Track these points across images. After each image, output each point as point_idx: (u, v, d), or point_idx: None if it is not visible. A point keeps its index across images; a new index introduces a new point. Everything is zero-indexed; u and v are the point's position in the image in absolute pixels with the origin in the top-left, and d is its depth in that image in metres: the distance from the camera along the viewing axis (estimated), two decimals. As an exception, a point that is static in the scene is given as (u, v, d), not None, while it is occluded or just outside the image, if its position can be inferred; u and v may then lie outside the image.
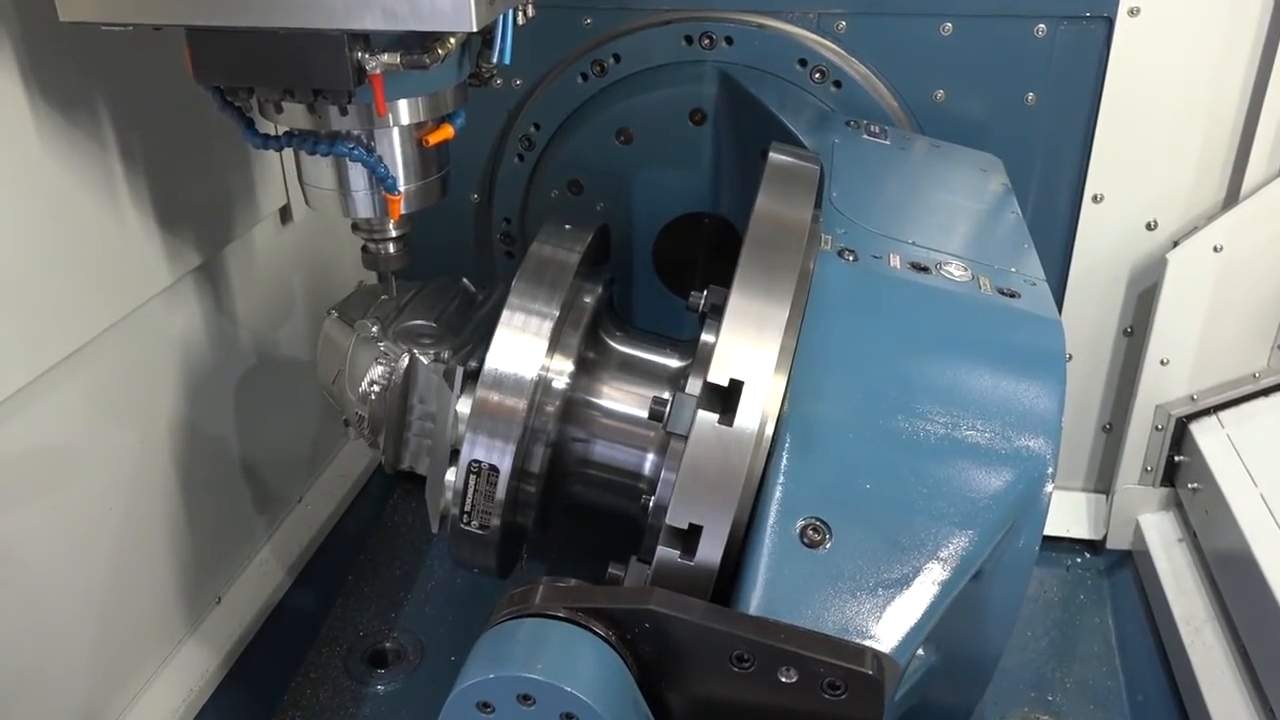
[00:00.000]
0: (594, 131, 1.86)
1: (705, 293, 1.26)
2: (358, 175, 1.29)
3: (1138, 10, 1.70)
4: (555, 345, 1.25)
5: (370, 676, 1.80)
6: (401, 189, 1.29)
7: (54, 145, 1.26)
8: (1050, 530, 2.00)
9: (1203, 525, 1.81)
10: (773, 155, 1.29)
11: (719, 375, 1.06)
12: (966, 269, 1.24)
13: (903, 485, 1.04)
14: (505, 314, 1.23)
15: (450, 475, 1.24)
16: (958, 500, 1.03)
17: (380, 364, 1.29)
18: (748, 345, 1.07)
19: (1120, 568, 2.00)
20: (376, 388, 1.28)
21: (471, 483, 1.22)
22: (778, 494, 1.02)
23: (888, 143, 1.65)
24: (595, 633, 0.94)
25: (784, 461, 1.04)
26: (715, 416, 1.05)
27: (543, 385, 1.24)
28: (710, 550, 1.04)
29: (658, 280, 1.96)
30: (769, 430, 1.07)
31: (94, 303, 1.35)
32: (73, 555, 1.37)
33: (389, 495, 2.23)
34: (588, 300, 1.34)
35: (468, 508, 1.24)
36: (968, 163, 1.68)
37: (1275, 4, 1.66)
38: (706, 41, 1.81)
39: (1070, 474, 2.09)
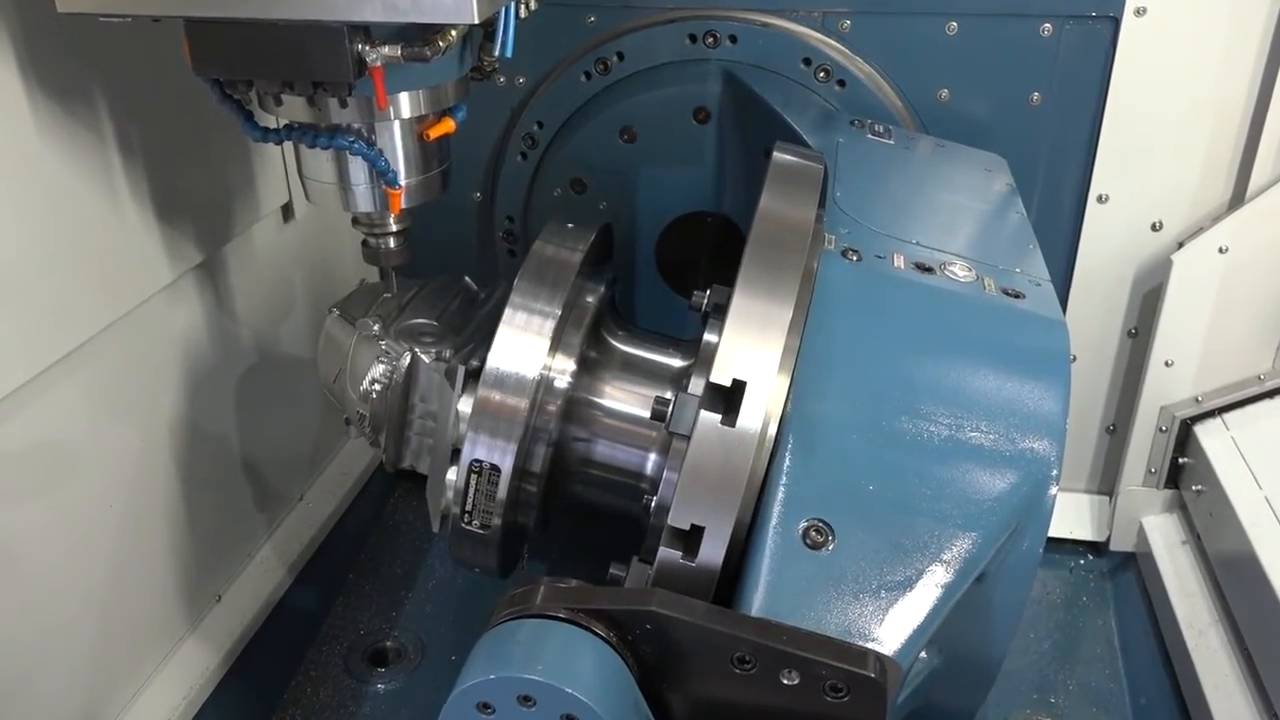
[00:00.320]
0: (597, 130, 1.86)
1: (708, 292, 1.25)
2: (358, 169, 1.28)
3: (1144, 10, 1.69)
4: (557, 344, 1.25)
5: (371, 675, 1.80)
6: (402, 183, 1.28)
7: (53, 141, 1.26)
8: (1053, 532, 2.00)
9: (1207, 528, 1.80)
10: (776, 154, 1.28)
11: (722, 375, 1.05)
12: (971, 269, 1.24)
13: (906, 487, 1.03)
14: (507, 313, 1.22)
15: (451, 474, 1.24)
16: (961, 502, 1.03)
17: (382, 362, 1.29)
18: (751, 345, 1.06)
19: (1123, 570, 1.99)
20: (378, 386, 1.27)
21: (473, 482, 1.21)
22: (780, 495, 1.02)
23: (892, 142, 1.64)
24: (596, 634, 0.93)
25: (787, 462, 1.03)
26: (718, 417, 1.05)
27: (544, 384, 1.23)
28: (712, 551, 1.03)
29: (660, 279, 1.95)
30: (772, 430, 1.06)
31: (94, 300, 1.34)
32: (73, 553, 1.37)
33: (390, 494, 2.23)
34: (590, 300, 1.33)
35: (469, 507, 1.23)
36: (972, 162, 1.67)
37: (1282, 4, 1.66)
38: (710, 40, 1.81)
39: (1074, 475, 2.08)
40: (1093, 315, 1.93)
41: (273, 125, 1.26)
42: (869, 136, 1.63)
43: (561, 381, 1.27)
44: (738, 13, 1.80)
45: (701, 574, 1.03)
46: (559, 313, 1.23)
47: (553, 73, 1.88)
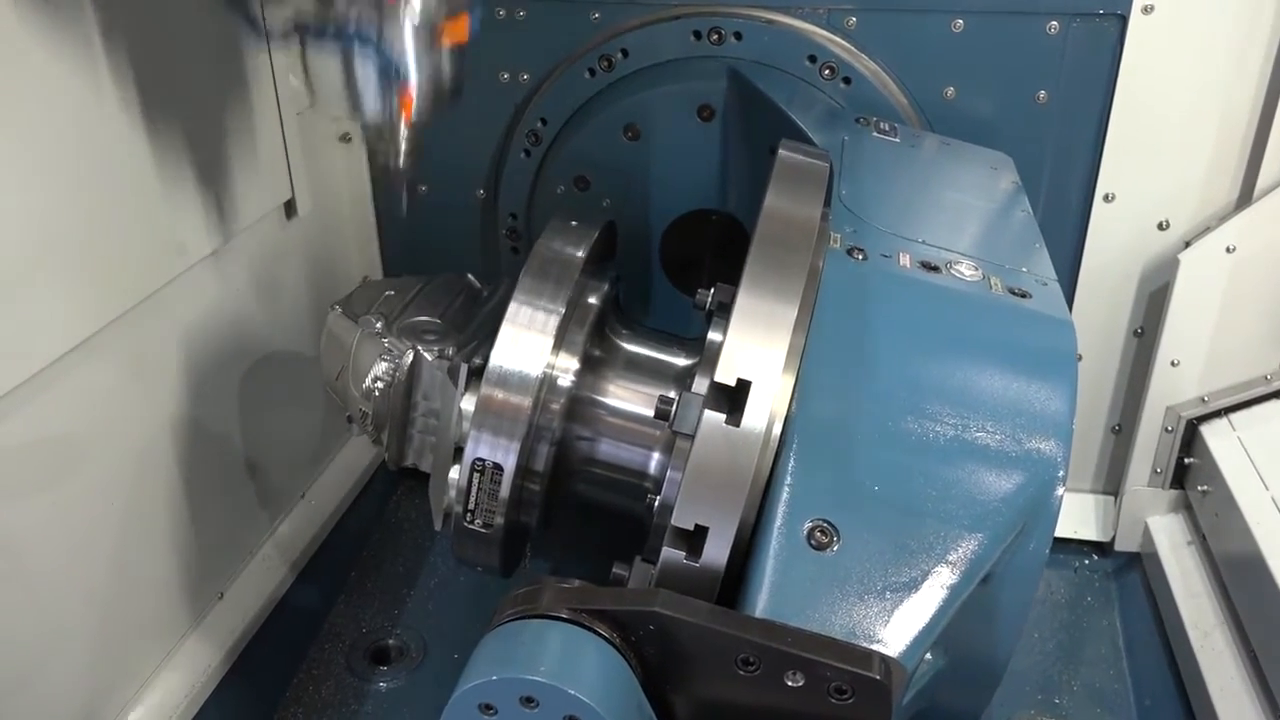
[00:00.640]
0: (601, 127, 1.85)
1: (713, 290, 1.25)
2: (367, 71, 1.23)
3: (1151, 8, 1.68)
4: (561, 342, 1.24)
5: (373, 673, 1.80)
6: (413, 86, 1.23)
7: (53, 140, 1.25)
8: (1058, 531, 1.97)
9: (1212, 528, 1.80)
10: (782, 152, 1.28)
11: (726, 374, 1.05)
12: (977, 268, 1.23)
13: (912, 487, 1.03)
14: (511, 309, 1.21)
15: (454, 473, 1.23)
16: (967, 503, 1.02)
17: (384, 360, 1.28)
18: (756, 344, 1.05)
19: (1128, 570, 1.99)
20: (380, 384, 1.27)
21: (475, 481, 1.21)
22: (785, 495, 1.01)
23: (897, 140, 1.63)
24: (599, 634, 0.93)
25: (791, 462, 1.02)
26: (722, 416, 1.04)
27: (548, 383, 1.22)
28: (716, 552, 1.02)
29: (664, 277, 1.95)
30: (776, 430, 1.06)
31: (96, 298, 1.34)
32: (75, 550, 1.36)
33: (392, 492, 2.23)
34: (593, 298, 1.33)
35: (471, 506, 1.23)
36: (978, 161, 1.66)
37: (1291, 2, 1.65)
38: (715, 37, 1.80)
39: (1079, 475, 2.07)
40: (1098, 314, 1.93)
41: (280, 29, 1.22)
42: (874, 134, 1.62)
43: (565, 380, 1.27)
44: (742, 9, 1.79)
45: (705, 574, 1.03)
46: (563, 310, 1.22)
47: (556, 70, 1.88)
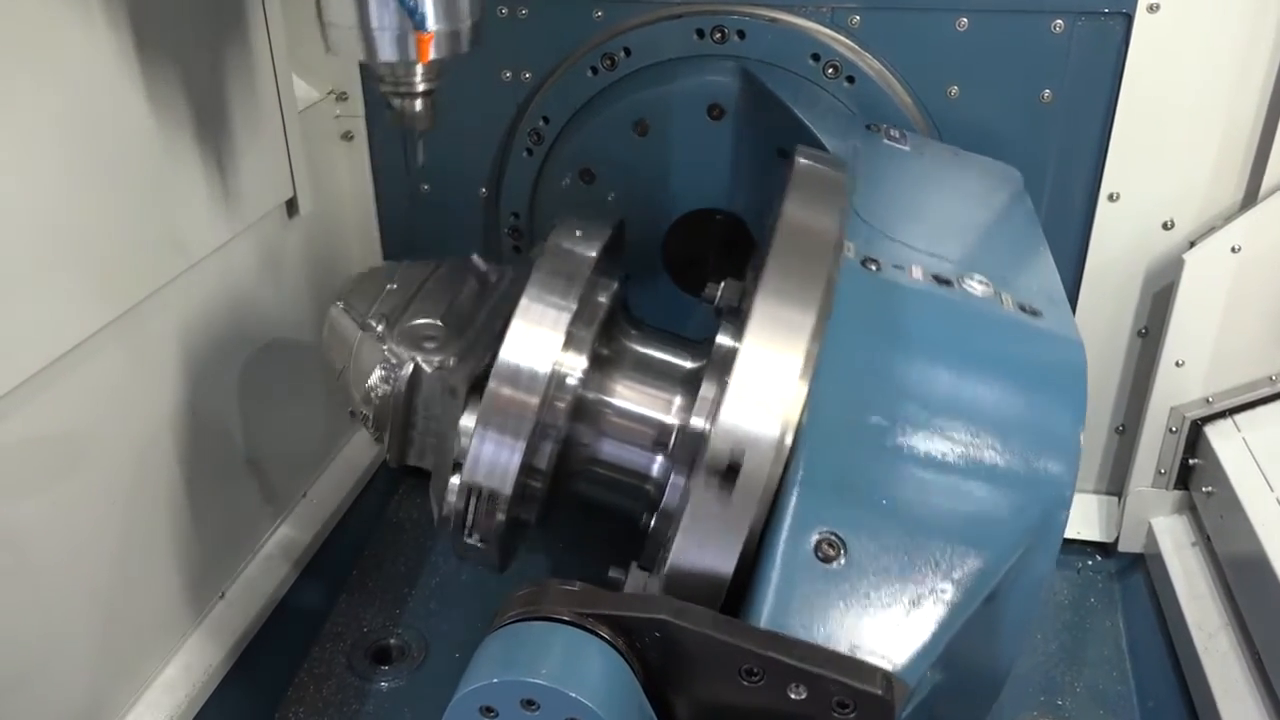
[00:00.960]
0: (603, 125, 1.84)
1: (722, 286, 1.24)
2: (382, 10, 1.18)
3: (1157, 6, 1.67)
4: (571, 341, 1.22)
5: (374, 673, 1.80)
6: (431, 27, 1.18)
7: (52, 138, 1.25)
8: (1061, 533, 1.99)
9: (1217, 529, 1.79)
10: (800, 160, 1.26)
11: (743, 380, 1.03)
12: (988, 284, 1.22)
13: (920, 504, 1.02)
14: (522, 304, 1.19)
15: (452, 493, 1.22)
16: (974, 522, 1.02)
17: (383, 369, 1.27)
18: (773, 352, 1.04)
19: (1132, 571, 1.98)
20: (380, 390, 1.25)
21: (472, 504, 1.20)
22: (793, 505, 1.00)
23: (907, 149, 1.62)
24: (602, 637, 0.92)
25: (801, 473, 1.02)
26: (738, 422, 1.03)
27: (556, 380, 1.21)
28: (724, 559, 1.02)
29: (666, 275, 1.94)
30: (788, 440, 1.05)
31: (97, 296, 1.33)
32: (77, 549, 1.36)
33: (394, 491, 2.23)
34: (603, 296, 1.31)
35: (469, 524, 1.22)
36: (987, 173, 1.65)
37: (1298, 1, 1.64)
38: (718, 35, 1.79)
39: (1082, 475, 2.03)
40: (1103, 314, 1.92)
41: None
42: (885, 141, 1.61)
43: (573, 379, 1.25)
44: (746, 8, 1.78)
45: (712, 581, 1.02)
46: (574, 307, 1.20)
47: (559, 68, 1.87)
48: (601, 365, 1.28)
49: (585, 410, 1.26)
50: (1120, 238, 1.85)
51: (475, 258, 1.43)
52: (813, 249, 1.12)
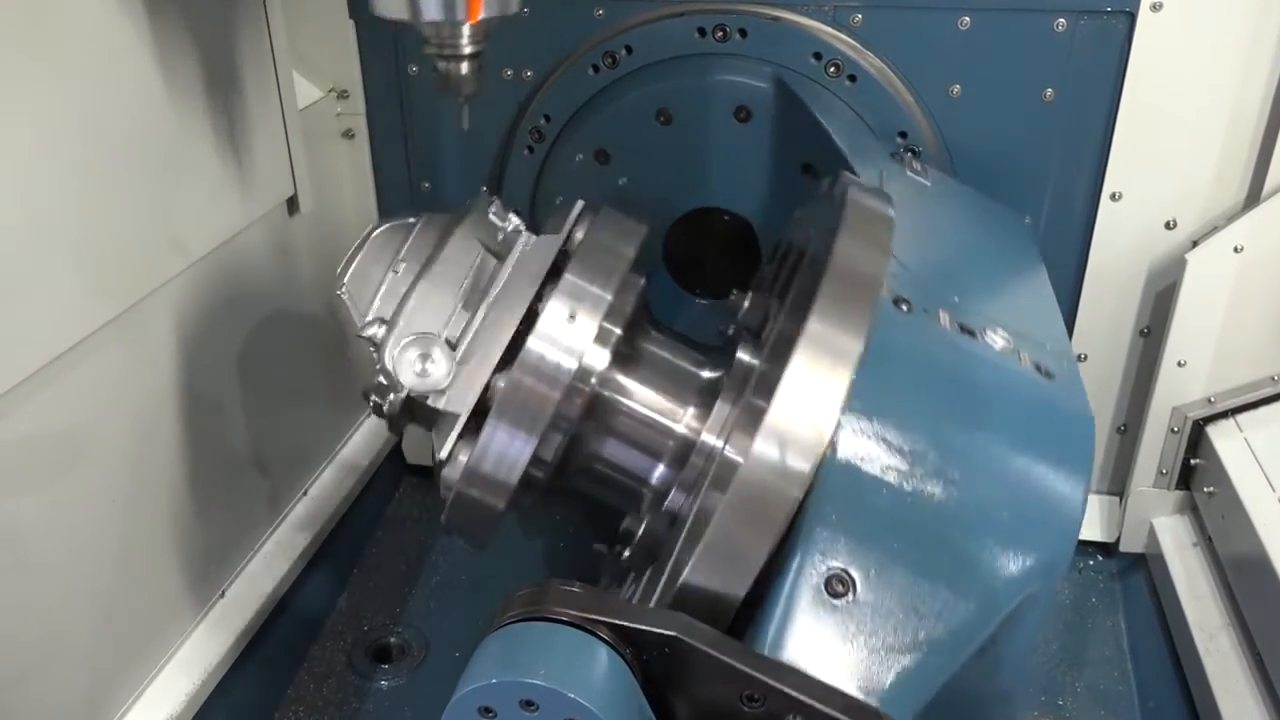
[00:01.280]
0: (629, 108, 1.82)
1: (748, 301, 1.24)
2: None
3: (1160, 5, 1.67)
4: (597, 337, 1.20)
5: (374, 671, 1.80)
6: None
7: (53, 137, 1.25)
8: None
9: (1218, 530, 1.79)
10: (851, 193, 1.23)
11: (784, 407, 1.03)
12: (1009, 339, 1.23)
13: (929, 552, 1.04)
14: (553, 304, 1.17)
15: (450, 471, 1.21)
16: (978, 578, 1.04)
17: (382, 380, 1.24)
18: (817, 384, 1.03)
19: (1133, 571, 1.98)
20: (378, 397, 1.24)
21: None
22: (809, 538, 1.01)
23: (928, 184, 1.62)
24: (603, 640, 0.92)
25: (821, 507, 1.02)
26: (775, 449, 1.02)
27: (580, 374, 1.18)
28: (739, 581, 1.02)
29: (663, 268, 1.94)
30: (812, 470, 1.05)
31: (97, 295, 1.33)
32: (77, 547, 1.36)
33: (394, 490, 2.23)
34: (630, 296, 1.29)
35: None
36: (1001, 222, 1.67)
37: (1301, 0, 1.63)
38: (720, 34, 1.79)
39: (1083, 475, 2.06)
40: (1104, 313, 1.91)
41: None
42: (909, 173, 1.61)
43: (594, 375, 1.24)
44: (747, 6, 1.78)
45: (723, 602, 1.02)
46: (610, 299, 1.18)
47: (559, 66, 1.87)
48: (621, 363, 1.26)
49: (599, 408, 1.25)
50: (1122, 237, 1.85)
51: (492, 213, 1.33)
52: (862, 285, 1.11)
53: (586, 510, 1.36)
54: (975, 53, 1.75)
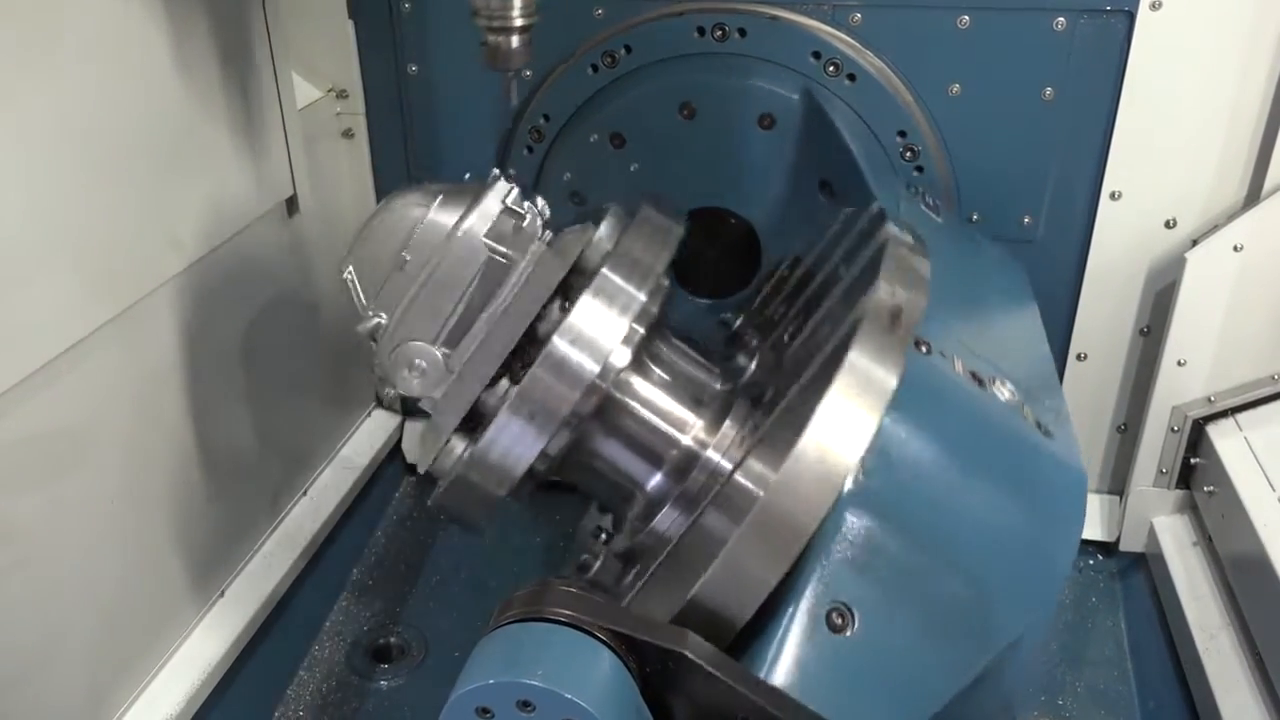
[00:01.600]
0: (654, 96, 1.82)
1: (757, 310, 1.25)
2: None
3: (1159, 4, 1.67)
4: (625, 337, 1.18)
5: (374, 671, 1.80)
6: None
7: (52, 137, 1.25)
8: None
9: (1219, 529, 1.78)
10: (893, 235, 1.23)
11: (814, 443, 1.01)
12: (1014, 393, 1.26)
13: (928, 595, 1.06)
14: (585, 300, 1.14)
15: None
16: (970, 626, 1.08)
17: (379, 375, 1.24)
18: (849, 419, 1.02)
19: (1134, 571, 1.98)
20: (380, 387, 1.24)
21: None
22: (818, 569, 1.02)
23: (940, 221, 1.63)
24: (602, 641, 0.92)
25: (833, 541, 1.03)
26: (804, 473, 1.01)
27: (602, 373, 1.15)
28: (749, 603, 1.02)
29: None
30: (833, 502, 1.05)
31: (95, 295, 1.33)
32: (76, 548, 1.36)
33: (394, 490, 2.23)
34: (660, 297, 1.26)
35: None
36: (1004, 269, 1.69)
37: (1301, -2, 1.63)
38: (719, 33, 1.79)
39: (1084, 475, 2.06)
40: (1104, 313, 1.91)
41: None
42: (922, 207, 1.63)
43: (612, 374, 1.21)
44: (746, 6, 1.78)
45: (727, 622, 1.01)
46: (643, 298, 1.16)
47: (559, 66, 1.87)
48: (637, 366, 1.24)
49: (610, 407, 1.23)
50: (1122, 236, 1.85)
51: (509, 202, 1.22)
52: (899, 325, 1.10)
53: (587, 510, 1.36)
54: (974, 52, 1.75)
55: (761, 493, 1.00)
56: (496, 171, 1.22)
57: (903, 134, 1.81)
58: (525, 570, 1.99)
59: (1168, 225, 1.82)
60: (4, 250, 1.18)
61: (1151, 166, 1.78)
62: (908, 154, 1.81)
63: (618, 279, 1.16)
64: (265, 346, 1.77)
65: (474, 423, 1.22)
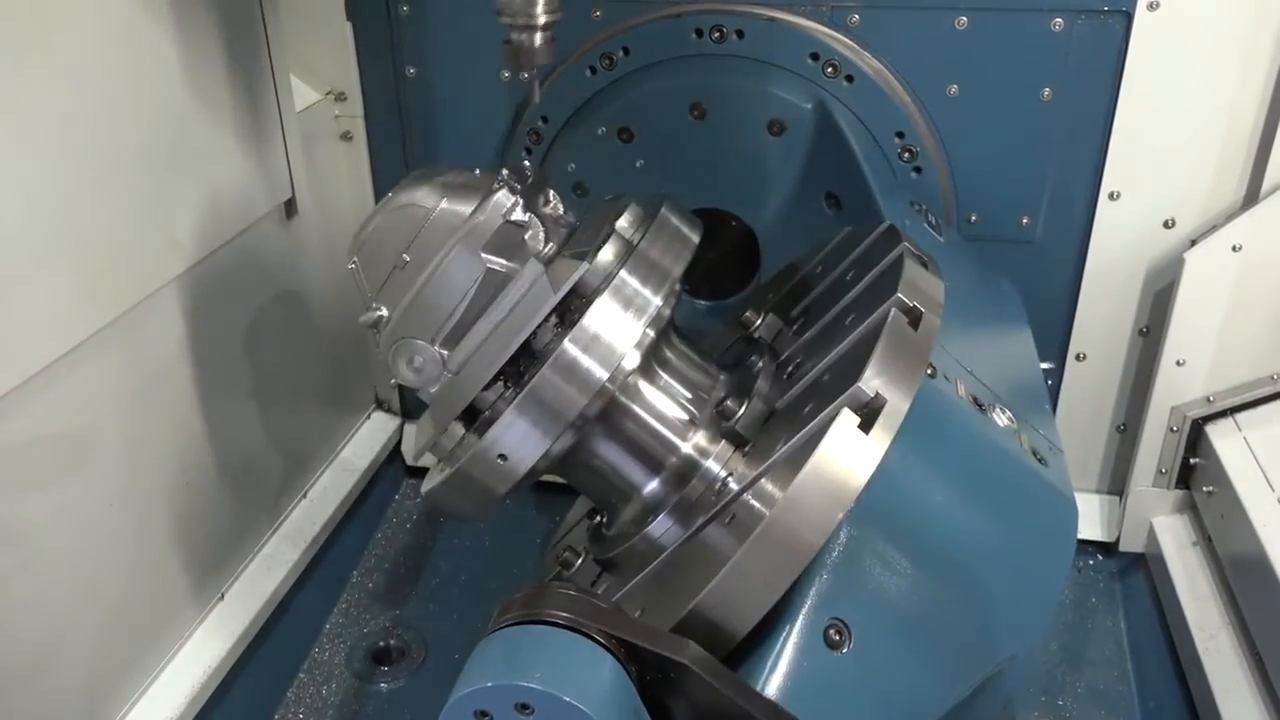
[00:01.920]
0: (666, 94, 1.82)
1: (764, 317, 1.26)
2: None
3: (1157, 4, 1.67)
4: (638, 341, 1.17)
5: (374, 673, 1.80)
6: None
7: (51, 140, 1.25)
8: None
9: (1218, 529, 1.78)
10: (908, 260, 1.22)
11: (826, 460, 1.01)
12: (1011, 420, 1.28)
13: (924, 616, 1.08)
14: (603, 301, 1.13)
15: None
16: (964, 646, 1.11)
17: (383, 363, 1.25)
18: (860, 439, 1.02)
19: (1133, 571, 1.98)
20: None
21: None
22: (818, 585, 1.02)
23: (942, 241, 1.64)
24: (600, 644, 0.92)
25: (836, 559, 1.04)
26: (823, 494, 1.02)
27: (612, 375, 1.14)
28: (752, 614, 1.02)
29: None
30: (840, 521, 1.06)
31: (95, 298, 1.34)
32: (77, 550, 1.37)
33: (394, 492, 2.23)
34: (673, 301, 1.25)
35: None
36: (998, 290, 1.70)
37: (1299, -2, 1.63)
38: (717, 34, 1.79)
39: (1083, 475, 2.06)
40: (1104, 313, 1.91)
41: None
42: (925, 225, 1.63)
43: (621, 376, 1.20)
44: (744, 7, 1.78)
45: (727, 633, 1.01)
46: (658, 303, 1.16)
47: (558, 68, 1.87)
48: (645, 370, 1.23)
49: (614, 410, 1.22)
50: (1121, 236, 1.84)
51: (512, 214, 1.19)
52: (914, 348, 1.11)
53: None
54: (972, 52, 1.75)
55: (768, 510, 1.00)
56: (506, 172, 1.21)
57: (901, 135, 1.81)
58: (525, 572, 1.99)
59: (1166, 225, 1.82)
60: (4, 253, 1.18)
61: (1150, 167, 1.78)
62: (906, 155, 1.82)
63: (635, 282, 1.15)
64: (265, 348, 1.77)
65: (471, 418, 1.22)
